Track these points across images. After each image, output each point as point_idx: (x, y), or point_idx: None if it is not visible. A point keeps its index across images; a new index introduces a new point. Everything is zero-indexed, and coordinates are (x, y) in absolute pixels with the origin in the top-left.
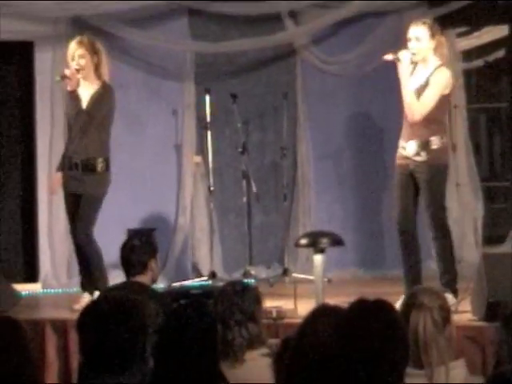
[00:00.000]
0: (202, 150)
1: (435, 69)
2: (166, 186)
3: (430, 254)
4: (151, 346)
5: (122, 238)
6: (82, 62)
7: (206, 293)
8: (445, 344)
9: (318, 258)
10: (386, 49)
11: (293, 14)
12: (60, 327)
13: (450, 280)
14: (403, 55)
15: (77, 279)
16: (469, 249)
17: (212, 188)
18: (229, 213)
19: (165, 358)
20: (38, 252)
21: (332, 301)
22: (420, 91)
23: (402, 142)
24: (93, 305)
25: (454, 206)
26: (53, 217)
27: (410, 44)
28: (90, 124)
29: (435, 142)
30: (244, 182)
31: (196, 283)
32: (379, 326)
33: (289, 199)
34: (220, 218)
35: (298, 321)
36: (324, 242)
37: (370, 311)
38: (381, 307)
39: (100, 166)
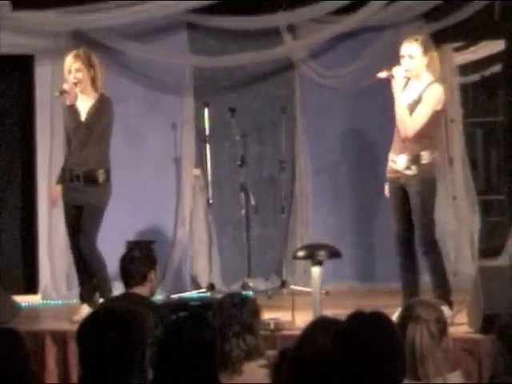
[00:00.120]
0: (200, 162)
1: (428, 85)
2: (166, 198)
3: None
4: (150, 357)
5: (121, 249)
6: (79, 75)
7: (204, 305)
8: (441, 356)
9: (315, 270)
10: (383, 63)
11: (291, 29)
12: (60, 338)
13: (443, 293)
14: (397, 72)
15: (76, 291)
16: (465, 262)
17: (211, 200)
18: (227, 225)
19: (164, 370)
20: (37, 264)
21: (329, 313)
22: (413, 107)
23: (392, 156)
24: (92, 316)
25: (451, 219)
26: (53, 229)
27: (403, 61)
28: (90, 137)
29: (426, 157)
30: (242, 195)
31: (194, 295)
32: (376, 338)
33: (287, 212)
34: (219, 230)
35: (296, 332)
36: (322, 254)
37: (367, 323)
38: (378, 319)
39: (101, 177)
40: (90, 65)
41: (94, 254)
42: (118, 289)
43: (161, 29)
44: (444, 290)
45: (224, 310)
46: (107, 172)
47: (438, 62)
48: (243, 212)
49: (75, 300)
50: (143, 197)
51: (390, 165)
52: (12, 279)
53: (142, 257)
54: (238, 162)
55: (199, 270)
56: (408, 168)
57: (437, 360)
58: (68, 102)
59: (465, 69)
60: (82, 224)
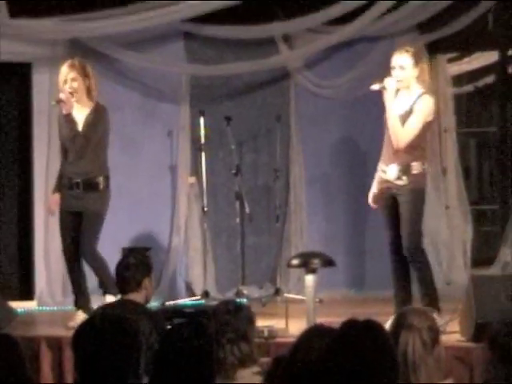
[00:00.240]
0: (196, 171)
1: (419, 96)
2: (161, 206)
3: None
4: (145, 363)
5: (117, 256)
6: (75, 85)
7: (199, 312)
8: (433, 364)
9: (309, 279)
10: (378, 73)
11: (287, 39)
12: (55, 344)
13: (431, 301)
14: (388, 83)
15: (71, 297)
16: (458, 271)
17: (206, 208)
18: (222, 233)
19: (161, 376)
20: (33, 270)
21: (323, 321)
22: (404, 118)
23: (382, 166)
24: (87, 323)
25: (444, 228)
26: (49, 236)
27: (393, 72)
28: (87, 146)
29: (416, 168)
30: (237, 203)
31: (189, 302)
32: (369, 346)
33: (281, 220)
34: (213, 238)
35: (290, 340)
36: (315, 262)
37: (360, 331)
38: (371, 327)
39: (101, 183)
40: (85, 74)
41: (96, 259)
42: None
43: (158, 38)
44: (432, 298)
45: (218, 317)
46: (107, 178)
47: (428, 74)
48: (238, 220)
49: (70, 306)
50: (139, 204)
51: (381, 175)
52: (8, 285)
53: (137, 264)
54: (233, 171)
55: (194, 277)
56: (399, 178)
57: (429, 368)
58: (64, 111)
59: (459, 79)
60: (82, 231)
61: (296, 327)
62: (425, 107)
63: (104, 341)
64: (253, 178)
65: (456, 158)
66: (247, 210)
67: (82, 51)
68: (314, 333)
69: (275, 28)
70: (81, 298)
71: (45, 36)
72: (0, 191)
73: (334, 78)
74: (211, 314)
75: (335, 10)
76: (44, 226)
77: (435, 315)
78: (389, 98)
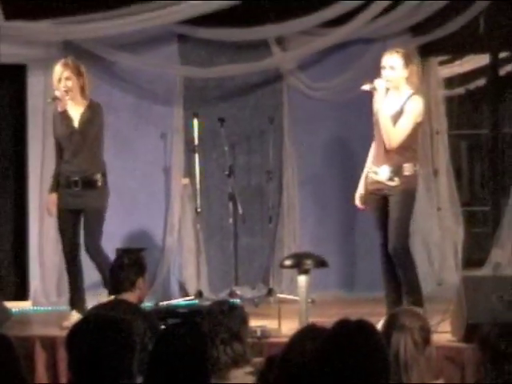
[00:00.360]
0: (189, 172)
1: (408, 97)
2: (155, 207)
3: None
4: (139, 363)
5: (111, 256)
6: (69, 83)
7: (192, 312)
8: (425, 364)
9: (302, 279)
10: (370, 76)
11: (280, 41)
12: (49, 344)
13: (416, 300)
14: (378, 84)
15: (66, 297)
16: (449, 271)
17: (199, 209)
18: (215, 234)
19: (156, 376)
20: (28, 270)
21: (315, 321)
22: (395, 118)
23: (373, 167)
24: (81, 323)
25: (435, 229)
26: (43, 236)
27: (384, 72)
28: (84, 143)
29: (408, 169)
30: (230, 204)
31: (183, 302)
32: (361, 346)
33: (274, 221)
34: (207, 238)
35: (282, 340)
36: (308, 263)
37: (352, 331)
38: (363, 328)
39: (99, 180)
40: (78, 73)
41: (100, 254)
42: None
43: (152, 40)
44: (416, 297)
45: (212, 317)
46: (104, 176)
47: (417, 76)
48: (231, 221)
49: (65, 306)
50: (133, 205)
51: (372, 176)
52: (3, 286)
53: (131, 264)
54: (226, 172)
55: (187, 277)
56: (391, 179)
57: (420, 368)
58: (60, 109)
59: (450, 82)
60: (86, 229)
61: (289, 327)
62: (415, 108)
63: (98, 341)
64: (246, 179)
65: (447, 159)
66: (240, 210)
67: (76, 53)
68: (307, 333)
69: (268, 30)
70: (76, 298)
71: (39, 38)
72: None
73: (327, 80)
74: (205, 313)
75: (328, 13)
76: (39, 227)
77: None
78: (379, 99)
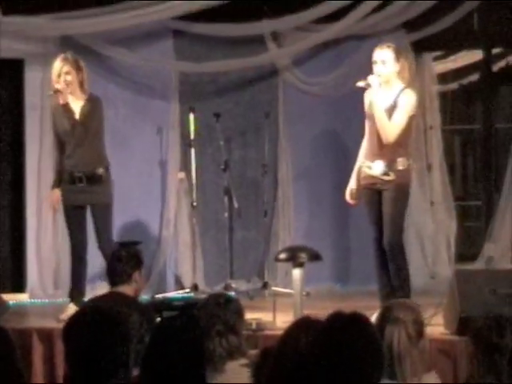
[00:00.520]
0: (185, 166)
1: (401, 91)
2: (151, 200)
3: None
4: (135, 355)
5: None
6: (69, 78)
7: (188, 305)
8: (418, 356)
9: (296, 272)
10: (364, 71)
11: (275, 36)
12: (46, 336)
13: (403, 295)
14: (372, 80)
15: (62, 290)
16: (442, 265)
17: (195, 203)
18: (211, 227)
19: (153, 368)
20: (25, 263)
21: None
22: (389, 113)
23: (366, 162)
24: (78, 315)
25: (429, 223)
26: (41, 229)
27: (375, 67)
28: (86, 136)
29: (402, 164)
30: (226, 198)
31: (178, 295)
32: (355, 338)
33: (269, 215)
34: (202, 232)
35: (277, 332)
36: (303, 256)
37: (346, 324)
38: (357, 320)
39: (103, 175)
40: (78, 68)
41: (112, 248)
42: (104, 288)
43: (148, 35)
44: (405, 293)
45: (208, 309)
46: (107, 169)
47: (408, 71)
48: (226, 215)
49: (62, 299)
50: (129, 199)
51: (365, 170)
52: (0, 277)
53: (128, 257)
54: (222, 166)
55: (183, 270)
56: (385, 174)
57: (413, 360)
58: (62, 101)
59: (444, 77)
60: (97, 224)
61: (283, 320)
62: (408, 101)
63: (94, 333)
64: (241, 173)
65: (441, 154)
66: (236, 204)
67: (73, 48)
68: (301, 325)
69: (264, 26)
70: (77, 292)
71: (37, 33)
72: None
73: (322, 76)
74: (201, 306)
75: (323, 9)
76: (36, 220)
77: None
78: (374, 95)
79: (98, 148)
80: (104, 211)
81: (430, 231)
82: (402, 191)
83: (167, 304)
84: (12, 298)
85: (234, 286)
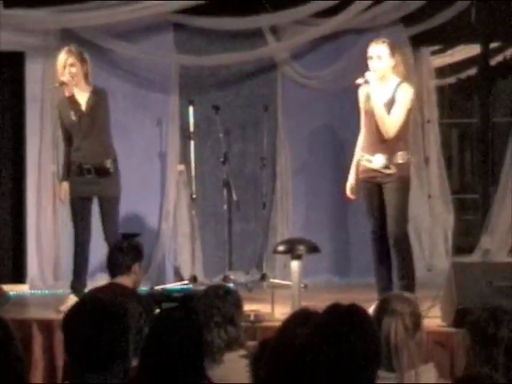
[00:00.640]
0: (185, 159)
1: (398, 85)
2: (150, 192)
3: None
4: (134, 346)
5: (102, 242)
6: (74, 70)
7: (187, 296)
8: (415, 348)
9: (294, 265)
10: (363, 65)
11: (274, 30)
12: (46, 327)
13: (409, 285)
14: (370, 76)
15: (63, 281)
16: (439, 258)
17: (194, 195)
18: (210, 219)
19: (152, 359)
20: (25, 254)
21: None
22: (388, 107)
23: (365, 155)
24: (77, 306)
25: (426, 216)
26: (41, 220)
27: (371, 62)
28: (93, 128)
29: (401, 157)
30: (225, 191)
31: (177, 287)
32: (352, 329)
33: (268, 208)
34: (201, 224)
35: (275, 324)
36: (301, 248)
37: (343, 316)
38: (354, 312)
39: (111, 167)
40: (82, 60)
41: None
42: (103, 280)
43: (148, 28)
44: (409, 282)
45: (207, 300)
46: (115, 161)
47: (403, 65)
48: (225, 207)
49: (62, 290)
50: (129, 190)
51: (365, 164)
52: (1, 269)
53: (129, 248)
54: (221, 159)
55: (182, 262)
56: (386, 167)
57: (411, 352)
58: (67, 93)
59: (442, 71)
60: (105, 216)
61: (281, 312)
62: (406, 95)
63: (94, 323)
64: (240, 166)
65: (438, 148)
66: (234, 197)
67: (73, 41)
68: (299, 317)
69: (263, 20)
70: (78, 283)
71: (38, 26)
72: None
73: (320, 70)
74: (200, 297)
75: (322, 3)
76: (36, 211)
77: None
78: (371, 90)
79: (105, 140)
80: (111, 204)
81: (428, 224)
82: (403, 183)
83: (166, 295)
84: (12, 289)
85: (232, 277)
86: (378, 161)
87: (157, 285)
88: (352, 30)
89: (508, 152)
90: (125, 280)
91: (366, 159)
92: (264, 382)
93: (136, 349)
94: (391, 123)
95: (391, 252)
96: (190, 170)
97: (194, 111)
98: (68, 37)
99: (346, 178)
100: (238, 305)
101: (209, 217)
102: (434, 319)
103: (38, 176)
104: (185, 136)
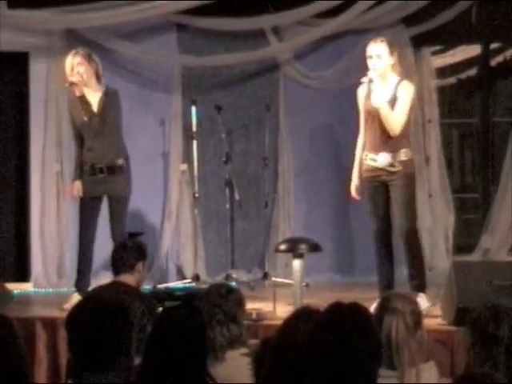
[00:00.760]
0: (187, 158)
1: (398, 83)
2: (153, 192)
3: (402, 261)
4: (137, 344)
5: (110, 240)
6: (81, 69)
7: (189, 295)
8: (416, 347)
9: (296, 263)
10: (364, 65)
11: (276, 31)
12: (50, 325)
13: (420, 285)
14: (372, 75)
15: (66, 280)
16: (440, 257)
17: (197, 195)
18: (212, 219)
19: (155, 357)
20: (29, 253)
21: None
22: (391, 105)
23: (369, 155)
24: (81, 304)
25: (427, 215)
26: (45, 219)
27: (370, 61)
28: (103, 127)
29: (405, 154)
30: (227, 190)
31: (180, 285)
32: (354, 328)
33: (270, 207)
34: (204, 223)
35: (277, 322)
36: (302, 247)
37: (345, 314)
38: (356, 310)
39: (123, 165)
40: (90, 60)
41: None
42: (107, 278)
43: (151, 29)
44: (421, 282)
45: (210, 299)
46: (127, 160)
47: (401, 64)
48: (228, 206)
49: (65, 288)
50: (132, 190)
51: (369, 163)
52: (4, 267)
53: (133, 247)
54: (224, 158)
55: (185, 261)
56: (392, 165)
57: (411, 350)
58: (78, 93)
59: (442, 72)
60: (113, 215)
61: (283, 310)
62: (408, 93)
63: (97, 321)
64: (242, 165)
65: (439, 147)
66: (237, 196)
67: (77, 41)
68: (301, 315)
69: (265, 20)
70: (82, 281)
71: (42, 26)
72: None
73: (322, 70)
74: (203, 295)
75: (323, 4)
76: (40, 210)
77: (423, 297)
78: (374, 89)
79: (117, 139)
80: (120, 203)
81: (428, 223)
82: (409, 180)
83: (169, 294)
84: (16, 288)
85: (234, 276)
86: (382, 159)
87: (159, 283)
88: (353, 30)
89: (508, 152)
90: (128, 278)
91: (371, 158)
92: (266, 380)
93: (139, 347)
94: (396, 120)
95: (403, 250)
96: (192, 170)
97: (197, 111)
98: (72, 37)
99: (347, 178)
100: (240, 303)
101: (211, 216)
102: (434, 318)
103: (42, 175)
104: (187, 136)
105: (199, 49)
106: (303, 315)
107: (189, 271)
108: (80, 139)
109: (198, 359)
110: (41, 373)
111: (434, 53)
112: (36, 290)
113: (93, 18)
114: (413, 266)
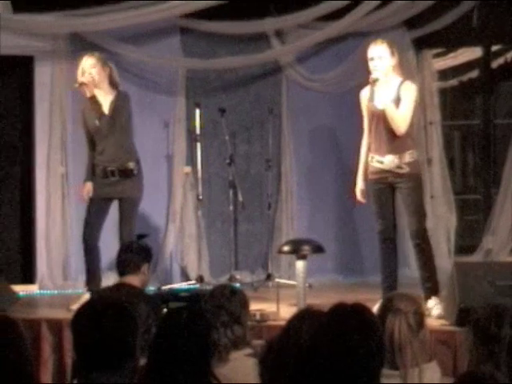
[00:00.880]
0: (191, 160)
1: (401, 84)
2: (157, 194)
3: (405, 262)
4: (142, 345)
5: (114, 242)
6: (94, 71)
7: (193, 296)
8: (418, 347)
9: (299, 264)
10: (366, 68)
11: (279, 34)
12: (55, 326)
13: (434, 287)
14: (378, 74)
15: (72, 281)
16: (442, 257)
17: (200, 197)
18: (216, 220)
19: (160, 358)
20: (35, 255)
21: (312, 304)
22: (396, 105)
23: (376, 157)
24: (86, 305)
25: (429, 216)
26: (50, 221)
27: (372, 63)
28: (114, 129)
29: (411, 155)
30: (231, 192)
31: (184, 287)
32: (357, 328)
33: (273, 208)
34: (208, 225)
35: (281, 323)
36: (306, 249)
37: (348, 314)
38: (359, 311)
39: (134, 169)
40: (103, 63)
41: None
42: (112, 279)
43: (155, 32)
44: (435, 284)
45: (214, 300)
46: (138, 163)
47: (401, 65)
48: (231, 208)
49: (70, 290)
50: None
51: (375, 165)
52: (10, 269)
53: (139, 248)
54: (227, 160)
55: (189, 262)
56: (399, 167)
57: (414, 350)
58: (88, 94)
59: (444, 74)
60: (123, 217)
61: (287, 311)
62: (411, 93)
63: (102, 323)
64: (246, 167)
65: (441, 149)
66: (240, 198)
67: (82, 45)
68: (304, 316)
69: (268, 24)
70: (93, 281)
71: (46, 30)
72: (3, 178)
73: (324, 72)
74: (207, 297)
75: (326, 7)
76: (45, 212)
77: (434, 302)
78: (378, 90)
79: (127, 142)
80: (130, 205)
81: (430, 224)
82: (417, 180)
83: (173, 295)
84: (22, 289)
85: (238, 277)
86: (389, 161)
87: (164, 285)
88: (355, 33)
89: (509, 153)
90: (133, 279)
91: (377, 160)
92: (270, 380)
93: (144, 348)
94: (402, 118)
95: (414, 252)
96: (196, 172)
97: (201, 114)
98: (76, 41)
99: (349, 179)
100: (244, 304)
101: (215, 217)
102: (437, 318)
103: (47, 177)
104: (191, 138)
105: (203, 52)
106: (306, 316)
107: (193, 272)
108: (92, 142)
109: (202, 360)
110: (46, 374)
111: (436, 55)
112: (41, 291)
113: (97, 22)
114: (425, 268)
